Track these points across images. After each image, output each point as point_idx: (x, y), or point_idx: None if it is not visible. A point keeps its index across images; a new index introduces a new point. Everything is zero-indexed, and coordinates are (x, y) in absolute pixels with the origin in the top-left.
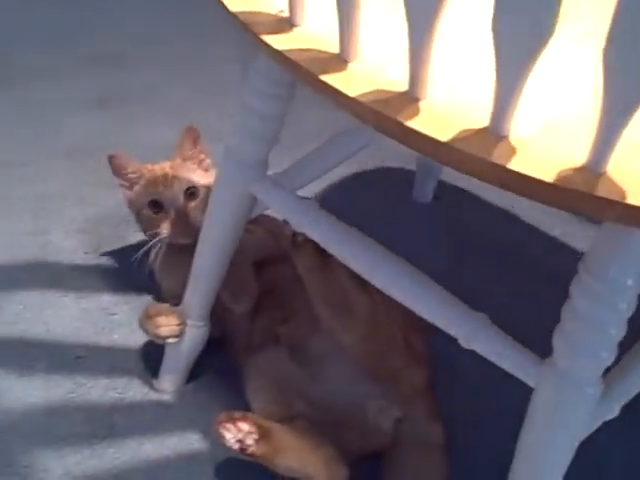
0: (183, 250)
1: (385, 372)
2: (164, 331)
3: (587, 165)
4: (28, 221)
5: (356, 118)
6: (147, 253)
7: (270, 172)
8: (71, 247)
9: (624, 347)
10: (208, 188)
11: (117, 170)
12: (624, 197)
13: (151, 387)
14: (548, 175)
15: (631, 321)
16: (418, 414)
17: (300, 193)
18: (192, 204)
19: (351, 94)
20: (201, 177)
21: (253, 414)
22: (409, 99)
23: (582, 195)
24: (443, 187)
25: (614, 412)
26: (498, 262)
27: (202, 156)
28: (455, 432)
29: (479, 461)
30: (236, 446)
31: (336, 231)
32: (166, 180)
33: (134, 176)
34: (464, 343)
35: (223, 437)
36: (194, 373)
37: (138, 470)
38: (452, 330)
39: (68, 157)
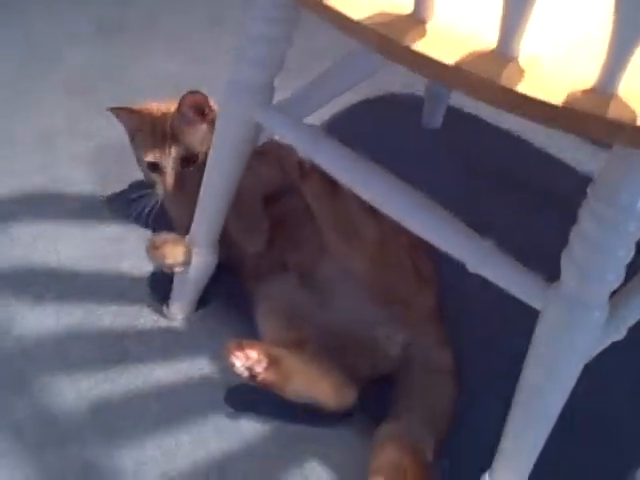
0: (191, 179)
1: (394, 298)
2: (170, 260)
3: (597, 86)
4: (35, 155)
5: (360, 42)
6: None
7: (276, 97)
8: (78, 179)
9: (632, 270)
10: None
11: (122, 121)
12: (635, 119)
13: (161, 314)
14: (557, 98)
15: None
16: (427, 340)
17: (307, 120)
18: (188, 170)
19: (355, 17)
20: (204, 134)
21: (262, 341)
22: (415, 21)
23: (592, 118)
24: (452, 113)
25: (621, 333)
26: (507, 187)
27: (212, 115)
28: (462, 357)
29: (484, 386)
30: (245, 374)
31: (343, 158)
32: (164, 143)
33: (137, 124)
34: (471, 268)
35: (233, 364)
36: (203, 300)
37: (150, 395)
38: (460, 255)
39: (70, 90)
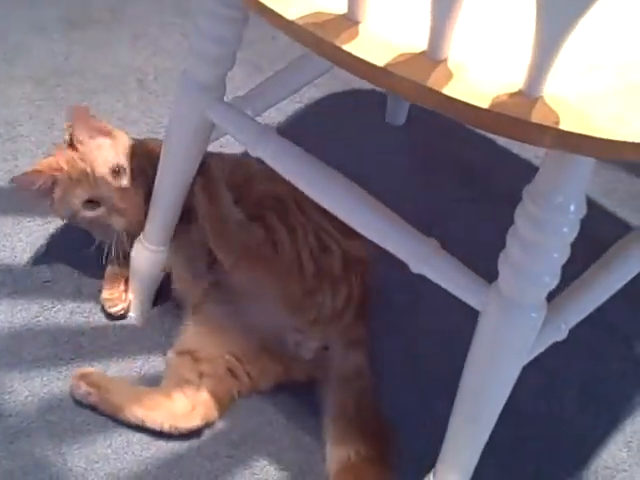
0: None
1: (288, 299)
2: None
3: (524, 90)
4: None
5: (295, 41)
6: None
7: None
8: None
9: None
10: (127, 151)
11: (27, 190)
12: (558, 123)
13: None
14: (483, 101)
15: (583, 248)
16: (336, 341)
17: (270, 114)
18: (124, 182)
19: (289, 17)
20: (112, 147)
21: (98, 372)
22: (348, 22)
23: (517, 121)
24: (416, 110)
25: (563, 333)
26: (468, 183)
27: (98, 124)
28: (419, 348)
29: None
30: (84, 401)
31: (288, 156)
32: (83, 174)
33: (47, 186)
34: (414, 268)
35: (74, 392)
36: (159, 298)
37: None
38: (402, 255)
39: (33, 81)
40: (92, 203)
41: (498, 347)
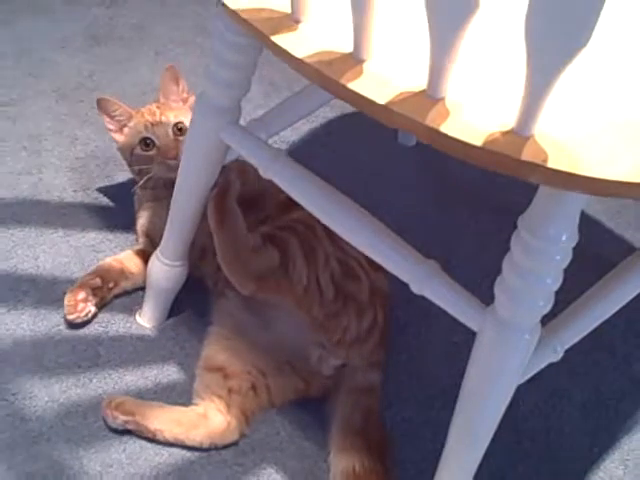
0: (157, 195)
1: (311, 322)
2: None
3: (515, 129)
4: (20, 160)
5: (304, 77)
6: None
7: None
8: (61, 185)
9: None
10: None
11: (106, 113)
12: (546, 161)
13: (133, 322)
14: (477, 139)
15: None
16: (356, 362)
17: (284, 132)
18: (181, 139)
19: (298, 55)
20: (187, 113)
21: (129, 399)
22: (353, 61)
23: (508, 158)
24: None
25: (558, 355)
26: (478, 205)
27: (185, 95)
28: (424, 364)
29: (446, 391)
30: (120, 427)
31: (298, 179)
32: (155, 118)
33: (122, 118)
34: (415, 289)
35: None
36: (175, 309)
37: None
38: (404, 277)
39: (58, 96)
40: (147, 144)
41: (493, 367)
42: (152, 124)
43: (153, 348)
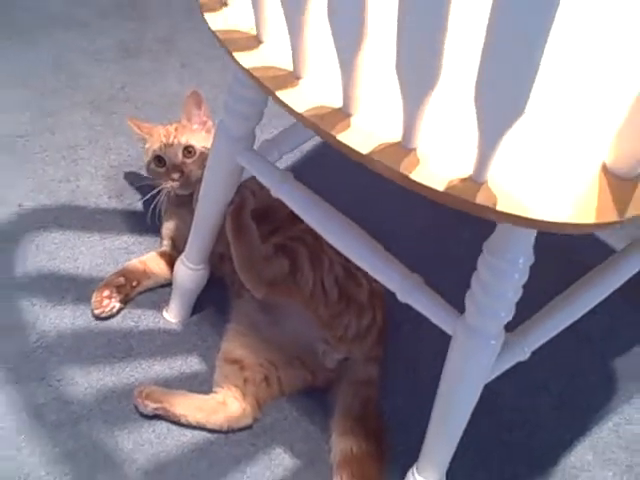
0: (181, 201)
1: (317, 320)
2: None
3: (472, 176)
4: (60, 168)
5: (304, 126)
6: (152, 200)
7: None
8: (97, 192)
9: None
10: (206, 148)
11: (135, 130)
12: (495, 204)
13: (161, 317)
14: (441, 184)
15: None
16: (357, 356)
17: (297, 151)
18: (188, 161)
19: (298, 110)
20: (202, 138)
21: (157, 388)
22: (342, 115)
23: (465, 201)
24: None
25: (525, 355)
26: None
27: (205, 118)
28: (419, 363)
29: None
30: (150, 413)
31: (302, 199)
32: (168, 140)
33: (144, 134)
34: (400, 298)
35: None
36: (198, 306)
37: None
38: (392, 288)
39: (92, 107)
40: (159, 161)
41: (464, 366)
42: (165, 145)
43: (178, 341)
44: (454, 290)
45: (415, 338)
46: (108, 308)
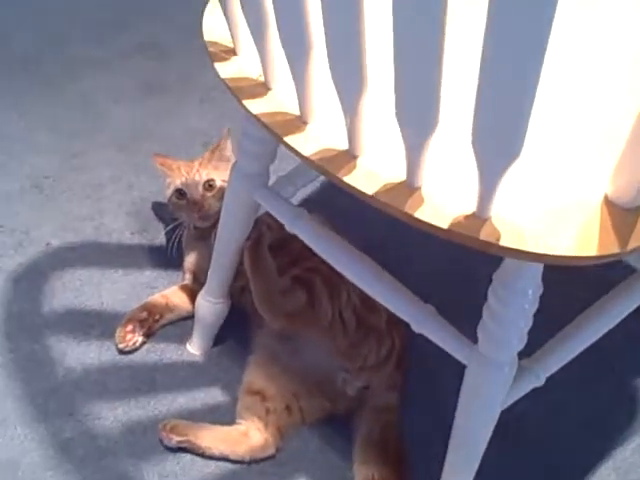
0: (201, 235)
1: (337, 350)
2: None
3: (476, 213)
4: (84, 206)
5: (310, 168)
6: (173, 232)
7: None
8: (120, 228)
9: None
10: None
11: (159, 165)
12: (499, 239)
13: (184, 350)
14: (445, 222)
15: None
16: (377, 383)
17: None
18: (208, 194)
19: (305, 154)
20: (222, 173)
21: (181, 422)
22: (348, 157)
23: (469, 237)
24: None
25: (541, 381)
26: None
27: (229, 153)
28: (437, 387)
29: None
30: (174, 446)
31: (318, 235)
32: (189, 174)
33: (165, 170)
34: (415, 328)
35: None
36: (220, 338)
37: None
38: (406, 319)
39: (116, 146)
40: (181, 195)
41: (479, 394)
42: (187, 179)
43: (201, 373)
44: (469, 315)
45: (435, 363)
46: (132, 342)
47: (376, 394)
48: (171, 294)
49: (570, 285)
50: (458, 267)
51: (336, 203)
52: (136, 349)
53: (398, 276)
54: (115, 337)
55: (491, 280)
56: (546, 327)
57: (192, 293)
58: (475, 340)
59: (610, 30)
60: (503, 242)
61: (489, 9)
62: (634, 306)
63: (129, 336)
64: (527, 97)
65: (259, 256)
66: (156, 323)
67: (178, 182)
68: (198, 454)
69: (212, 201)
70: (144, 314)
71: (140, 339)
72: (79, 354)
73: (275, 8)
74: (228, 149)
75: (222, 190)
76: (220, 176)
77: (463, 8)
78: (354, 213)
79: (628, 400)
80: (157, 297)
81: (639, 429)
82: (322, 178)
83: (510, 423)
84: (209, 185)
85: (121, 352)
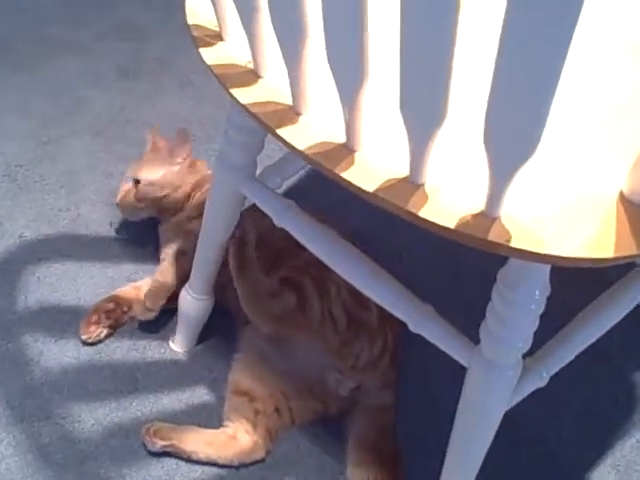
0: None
1: (328, 350)
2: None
3: (485, 211)
4: (60, 197)
5: (306, 163)
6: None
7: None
8: (98, 219)
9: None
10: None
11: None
12: (509, 240)
13: (167, 348)
14: (451, 221)
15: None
16: (370, 383)
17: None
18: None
19: (299, 147)
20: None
21: (165, 425)
22: (346, 151)
23: (477, 238)
24: None
25: (544, 381)
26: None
27: (185, 154)
28: (434, 388)
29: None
30: (159, 451)
31: (305, 227)
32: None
33: None
34: (412, 328)
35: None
36: (204, 336)
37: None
38: (403, 317)
39: (92, 132)
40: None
41: (481, 398)
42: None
43: (185, 372)
44: (467, 310)
45: (429, 361)
46: (95, 334)
47: (370, 393)
48: (144, 285)
49: (569, 280)
50: (447, 257)
51: (325, 191)
52: (100, 341)
53: (389, 268)
54: (79, 327)
55: (481, 268)
56: (544, 323)
57: None
58: (472, 338)
59: (627, 22)
60: (514, 243)
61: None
62: (635, 303)
63: (92, 327)
64: (547, 94)
65: (244, 258)
66: (124, 315)
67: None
68: (183, 459)
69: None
70: (111, 305)
71: (105, 331)
72: (56, 353)
73: None
74: (186, 149)
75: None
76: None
77: None
78: (342, 201)
79: (625, 395)
80: (128, 288)
81: (638, 425)
82: (309, 166)
83: (504, 420)
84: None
85: (84, 343)
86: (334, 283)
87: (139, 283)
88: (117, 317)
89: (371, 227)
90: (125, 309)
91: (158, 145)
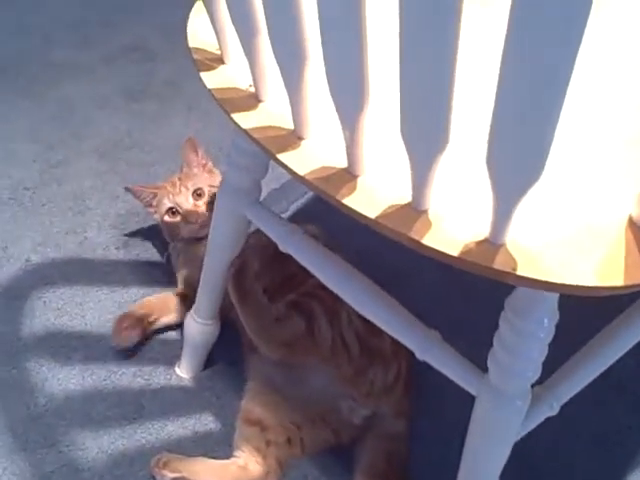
0: (194, 246)
1: (341, 377)
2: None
3: (489, 238)
4: (66, 220)
5: (307, 189)
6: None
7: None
8: (104, 243)
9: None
10: (212, 187)
11: (136, 197)
12: (516, 268)
13: (173, 374)
14: (455, 249)
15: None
16: (384, 411)
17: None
18: (199, 202)
19: (300, 172)
20: (206, 179)
21: (175, 457)
22: (348, 176)
23: (482, 266)
24: None
25: (554, 410)
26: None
27: (203, 161)
28: (446, 411)
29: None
30: None
31: (309, 252)
32: (175, 190)
33: (149, 198)
34: (419, 356)
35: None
36: (211, 360)
37: (162, 448)
38: (409, 344)
39: (98, 155)
40: (173, 213)
41: (490, 428)
42: (173, 195)
43: (191, 398)
44: (476, 333)
45: (442, 388)
46: (128, 339)
47: (384, 421)
48: (167, 298)
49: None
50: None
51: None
52: (129, 349)
53: (396, 290)
54: (112, 331)
55: (489, 292)
56: (555, 349)
57: (186, 300)
58: (480, 365)
59: (631, 41)
60: (520, 271)
61: (510, 19)
62: None
63: (124, 333)
64: (552, 118)
65: (245, 288)
66: (151, 325)
67: (166, 201)
68: None
69: (205, 208)
70: (141, 311)
71: (137, 338)
72: (61, 379)
73: (266, 13)
74: (196, 158)
75: (212, 196)
76: (204, 183)
77: (477, 11)
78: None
79: (638, 421)
80: (153, 298)
81: None
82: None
83: (520, 443)
84: (197, 194)
85: (116, 350)
86: (345, 310)
87: (162, 295)
88: (144, 327)
89: (378, 248)
90: (152, 319)
91: (189, 157)
